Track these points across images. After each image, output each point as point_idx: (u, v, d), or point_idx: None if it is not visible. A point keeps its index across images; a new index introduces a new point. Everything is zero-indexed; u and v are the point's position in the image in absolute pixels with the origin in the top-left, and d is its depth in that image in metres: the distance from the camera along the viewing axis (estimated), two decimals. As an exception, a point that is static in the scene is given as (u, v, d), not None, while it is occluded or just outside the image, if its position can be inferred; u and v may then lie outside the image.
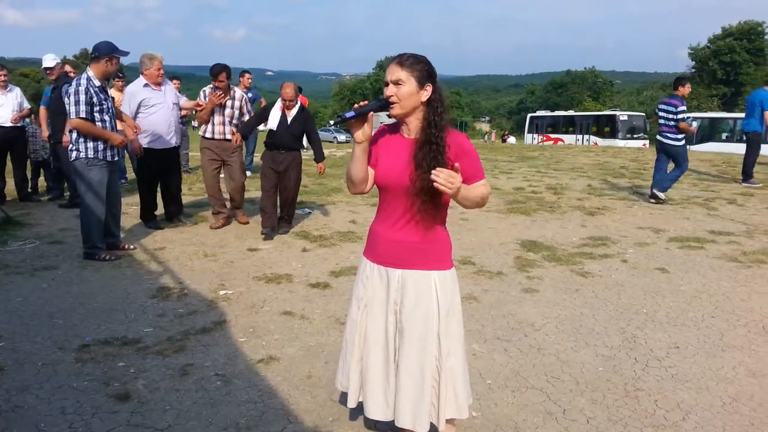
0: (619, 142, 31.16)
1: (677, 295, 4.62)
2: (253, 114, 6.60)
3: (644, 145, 31.71)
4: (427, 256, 2.23)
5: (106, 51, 5.10)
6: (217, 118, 6.34)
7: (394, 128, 2.30)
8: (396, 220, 2.23)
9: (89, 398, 2.88)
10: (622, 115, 35.70)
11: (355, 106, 2.14)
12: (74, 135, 5.12)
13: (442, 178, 1.95)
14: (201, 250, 5.63)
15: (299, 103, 6.13)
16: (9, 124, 7.45)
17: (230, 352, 3.47)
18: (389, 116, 2.21)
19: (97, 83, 5.12)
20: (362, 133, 2.16)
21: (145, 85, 6.08)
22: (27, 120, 8.16)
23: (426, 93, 2.15)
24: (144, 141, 6.04)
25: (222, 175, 6.71)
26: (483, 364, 3.36)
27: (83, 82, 5.03)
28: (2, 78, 7.45)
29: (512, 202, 8.42)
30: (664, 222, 7.27)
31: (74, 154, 5.12)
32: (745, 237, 6.52)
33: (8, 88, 7.53)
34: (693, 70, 56.35)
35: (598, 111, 46.61)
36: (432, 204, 2.16)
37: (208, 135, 6.38)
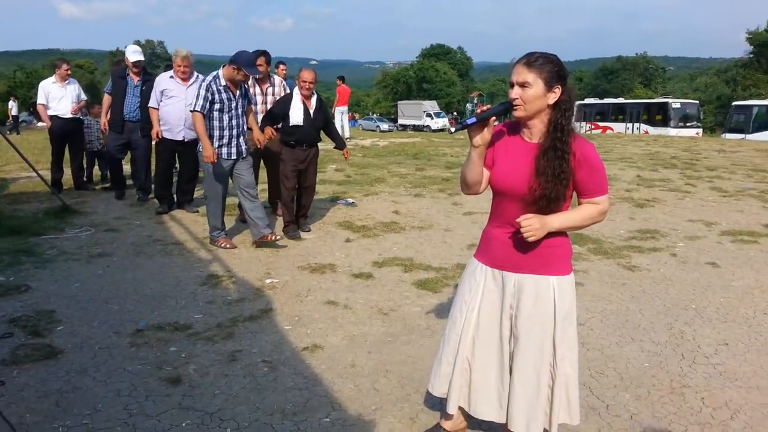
0: (671, 131, 30.24)
1: (728, 290, 4.49)
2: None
3: (697, 134, 30.71)
4: (545, 260, 2.16)
5: (236, 60, 5.13)
6: (259, 107, 6.43)
7: (514, 129, 2.19)
8: (513, 224, 2.12)
9: (143, 381, 3.01)
10: (675, 103, 34.53)
11: (477, 111, 2.07)
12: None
13: (525, 226, 2.01)
14: (248, 239, 5.77)
15: (315, 92, 5.82)
16: (69, 116, 7.77)
17: (276, 339, 3.57)
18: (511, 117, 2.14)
19: (223, 82, 5.19)
20: (481, 138, 2.08)
21: (171, 76, 6.45)
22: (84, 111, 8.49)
23: (554, 96, 2.04)
24: (162, 128, 6.49)
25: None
26: (525, 357, 3.36)
27: (209, 79, 5.20)
28: (66, 72, 7.81)
29: (557, 193, 8.29)
30: (717, 215, 7.05)
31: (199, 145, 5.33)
32: (803, 231, 6.26)
33: (68, 81, 7.84)
34: (751, 55, 53.93)
35: (650, 98, 45.22)
36: (549, 211, 2.09)
37: None
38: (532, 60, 2.04)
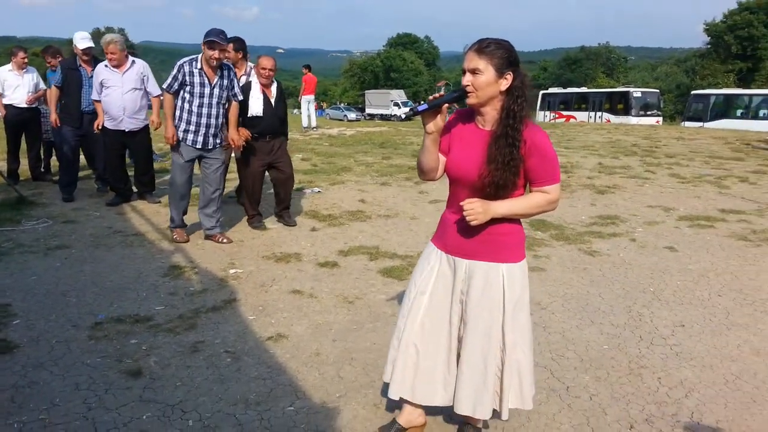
0: (633, 120, 30.83)
1: (685, 274, 4.62)
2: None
3: (657, 122, 31.38)
4: (495, 247, 2.17)
5: (205, 36, 4.92)
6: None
7: (469, 117, 2.19)
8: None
9: (102, 374, 2.95)
10: (636, 92, 35.22)
11: (430, 98, 2.07)
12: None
13: (468, 210, 2.02)
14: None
15: (274, 80, 5.61)
16: (24, 105, 7.50)
17: (240, 329, 3.53)
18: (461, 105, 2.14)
19: (199, 65, 4.97)
20: (434, 125, 2.09)
21: (106, 65, 6.11)
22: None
23: (506, 82, 2.02)
24: (105, 119, 6.24)
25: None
26: (488, 342, 3.40)
27: (185, 59, 5.02)
28: (23, 60, 7.52)
29: (522, 181, 8.39)
30: (675, 201, 7.23)
31: None
32: (756, 216, 6.48)
33: (26, 70, 7.57)
34: (708, 46, 55.30)
35: (612, 87, 46.02)
36: (497, 198, 2.08)
37: None
38: (482, 46, 2.02)
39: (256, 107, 5.42)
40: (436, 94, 2.09)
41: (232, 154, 5.80)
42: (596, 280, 4.46)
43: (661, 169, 9.63)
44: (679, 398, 2.84)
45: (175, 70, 4.95)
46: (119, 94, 6.09)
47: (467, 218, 2.04)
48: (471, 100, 2.06)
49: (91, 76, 6.62)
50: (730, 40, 51.53)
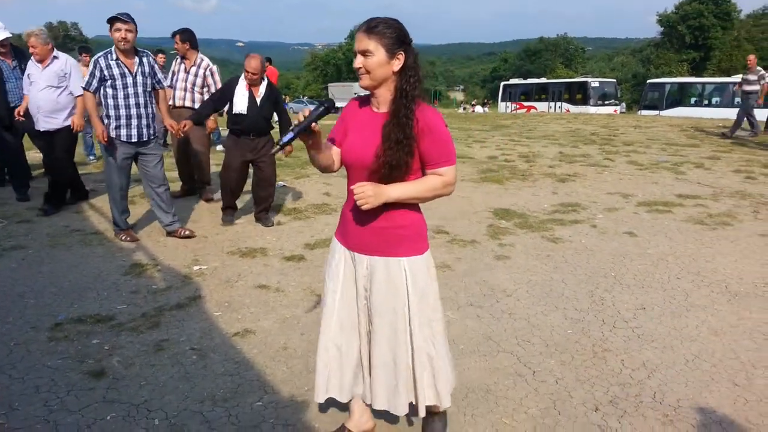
0: (591, 109, 31.39)
1: (644, 258, 4.74)
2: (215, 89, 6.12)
3: (615, 111, 32.03)
4: (395, 241, 2.09)
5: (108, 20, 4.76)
6: (179, 84, 6.26)
7: (366, 101, 2.14)
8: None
9: (63, 376, 2.88)
10: (594, 82, 35.88)
11: (295, 122, 1.95)
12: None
13: (358, 193, 1.93)
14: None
15: (266, 78, 5.54)
16: None
17: (205, 326, 3.48)
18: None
19: (115, 56, 4.80)
20: (313, 142, 1.99)
21: (32, 59, 5.74)
22: None
23: (398, 62, 1.97)
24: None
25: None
26: (456, 330, 3.43)
27: (99, 54, 4.83)
28: None
29: (486, 171, 8.48)
30: (633, 187, 7.40)
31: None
32: (711, 200, 6.68)
33: None
34: (662, 36, 56.69)
35: (570, 78, 46.80)
36: (391, 180, 2.00)
37: (170, 102, 6.23)
38: (372, 26, 1.96)
39: (240, 105, 5.30)
40: (300, 117, 1.94)
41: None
42: (559, 266, 4.54)
43: (619, 157, 9.84)
44: (641, 379, 2.92)
45: (91, 67, 4.80)
46: (36, 91, 5.68)
47: (358, 202, 1.95)
48: (363, 83, 2.00)
49: (14, 68, 6.35)
50: (683, 30, 52.98)
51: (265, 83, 5.46)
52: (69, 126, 5.69)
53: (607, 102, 33.89)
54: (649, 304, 3.85)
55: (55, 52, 5.71)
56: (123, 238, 5.14)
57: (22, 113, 5.86)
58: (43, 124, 5.74)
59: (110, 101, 4.80)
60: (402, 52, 1.97)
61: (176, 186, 6.67)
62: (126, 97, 4.80)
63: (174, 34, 6.33)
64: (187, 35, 6.24)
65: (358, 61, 1.98)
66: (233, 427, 2.51)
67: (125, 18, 4.69)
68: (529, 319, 3.60)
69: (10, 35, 6.37)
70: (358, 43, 1.98)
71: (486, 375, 2.95)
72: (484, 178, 7.93)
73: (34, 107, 5.72)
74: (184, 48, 6.24)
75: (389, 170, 1.98)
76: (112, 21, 4.68)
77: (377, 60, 1.95)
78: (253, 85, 5.35)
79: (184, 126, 5.17)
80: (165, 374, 2.92)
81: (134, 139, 4.89)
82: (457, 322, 3.54)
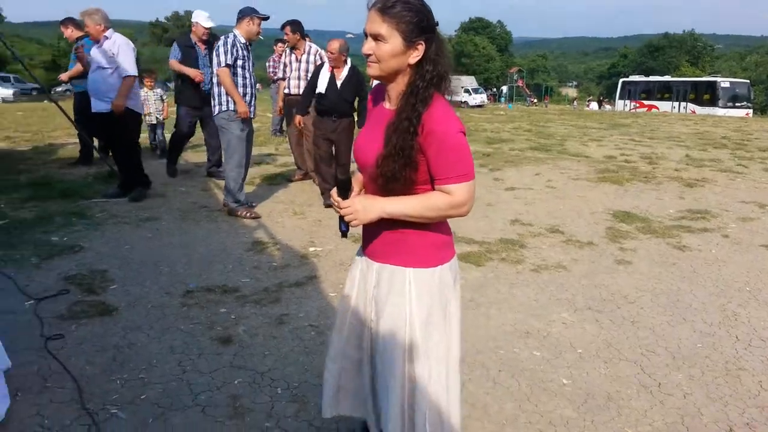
0: (720, 111, 29.26)
1: (785, 274, 4.34)
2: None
3: (747, 114, 29.63)
4: (401, 247, 1.75)
5: (247, 12, 5.27)
6: (293, 74, 6.57)
7: (383, 93, 1.81)
8: None
9: (195, 340, 3.08)
10: (724, 82, 33.34)
11: (519, 82, 1.71)
12: (218, 89, 5.23)
13: (344, 207, 1.72)
14: (290, 209, 5.81)
15: (350, 63, 5.65)
16: None
17: (322, 305, 3.59)
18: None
19: (243, 40, 5.26)
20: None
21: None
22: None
23: (416, 53, 1.61)
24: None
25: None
26: (573, 333, 3.32)
27: (231, 38, 5.20)
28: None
29: (603, 171, 8.11)
30: (771, 197, 6.80)
31: (217, 108, 5.26)
32: None
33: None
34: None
35: (697, 77, 43.72)
36: (388, 192, 1.68)
37: (286, 91, 6.76)
38: (388, 5, 1.57)
39: (321, 85, 5.61)
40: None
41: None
42: (687, 276, 4.26)
43: (754, 164, 9.08)
44: (783, 404, 2.68)
45: (230, 47, 5.14)
46: (90, 72, 5.71)
47: (346, 218, 1.72)
48: (372, 72, 1.65)
49: (205, 55, 6.76)
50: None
51: (348, 66, 5.62)
52: (125, 108, 5.58)
53: (738, 104, 31.39)
54: (790, 324, 3.52)
55: (108, 32, 5.60)
56: (246, 214, 5.41)
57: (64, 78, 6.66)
58: (95, 104, 5.69)
59: (239, 80, 5.22)
60: (422, 42, 1.60)
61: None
62: (251, 77, 5.36)
63: (284, 26, 6.61)
64: (296, 26, 6.54)
65: (368, 47, 1.62)
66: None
67: (257, 12, 5.32)
68: (653, 329, 3.40)
69: (214, 25, 6.82)
70: (369, 24, 1.60)
71: (607, 382, 2.83)
72: (601, 178, 7.59)
73: (91, 88, 5.71)
74: (294, 38, 6.53)
75: (385, 181, 1.66)
76: (251, 18, 5.26)
77: (390, 48, 1.59)
78: (335, 67, 5.57)
79: (300, 123, 5.88)
80: (286, 346, 3.04)
81: (252, 116, 5.39)
82: (574, 325, 3.42)
